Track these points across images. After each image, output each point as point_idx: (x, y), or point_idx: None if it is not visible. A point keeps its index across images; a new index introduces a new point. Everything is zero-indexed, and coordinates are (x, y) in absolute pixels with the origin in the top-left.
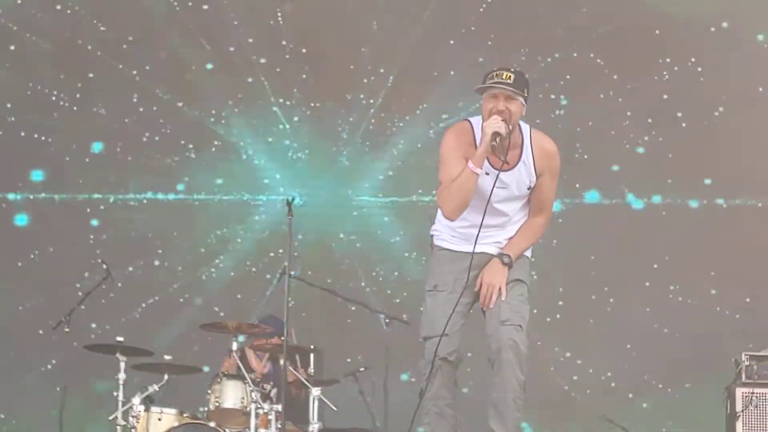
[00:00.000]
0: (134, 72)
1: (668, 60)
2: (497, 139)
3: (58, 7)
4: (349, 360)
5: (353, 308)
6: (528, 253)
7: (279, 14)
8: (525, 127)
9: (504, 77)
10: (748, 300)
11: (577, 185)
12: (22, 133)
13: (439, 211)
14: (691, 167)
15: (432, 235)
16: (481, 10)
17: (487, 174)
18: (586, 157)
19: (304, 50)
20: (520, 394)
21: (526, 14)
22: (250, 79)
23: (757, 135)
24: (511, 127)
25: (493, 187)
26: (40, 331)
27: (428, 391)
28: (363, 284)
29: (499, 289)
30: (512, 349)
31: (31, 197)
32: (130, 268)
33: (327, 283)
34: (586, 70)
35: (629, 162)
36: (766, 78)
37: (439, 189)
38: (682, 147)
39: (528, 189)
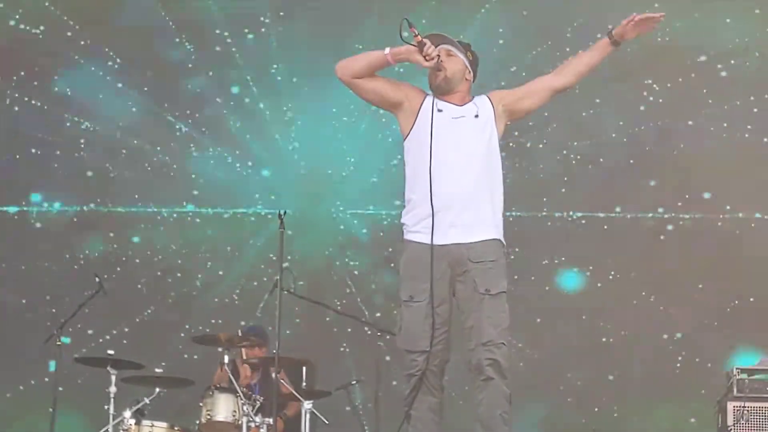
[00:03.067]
0: (135, 91)
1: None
2: (422, 45)
3: None
4: (340, 373)
5: (345, 321)
6: (500, 237)
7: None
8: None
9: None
10: (740, 312)
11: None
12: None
13: (411, 187)
14: (689, 182)
15: (403, 225)
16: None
17: (440, 111)
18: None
19: (297, 60)
20: (507, 408)
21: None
22: (243, 89)
23: None
24: (444, 76)
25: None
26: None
27: (410, 397)
28: (354, 297)
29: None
30: (493, 367)
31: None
32: (123, 281)
33: (318, 296)
34: None
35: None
36: None
37: None
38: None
39: (490, 119)
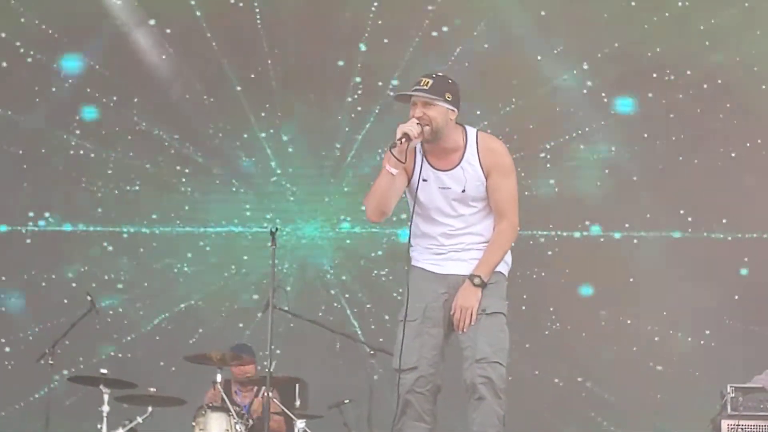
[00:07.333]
0: (121, 106)
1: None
2: (404, 140)
3: None
4: (333, 391)
5: (338, 340)
6: (503, 269)
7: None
8: (471, 131)
9: (421, 84)
10: (733, 331)
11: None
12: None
13: (411, 230)
14: (671, 200)
15: (410, 257)
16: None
17: (425, 180)
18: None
19: (289, 77)
20: (500, 429)
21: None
22: (235, 108)
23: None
24: (430, 129)
25: (419, 180)
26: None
27: (398, 423)
28: (348, 315)
29: (471, 312)
30: (486, 385)
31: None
32: (115, 301)
33: (311, 314)
34: None
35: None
36: None
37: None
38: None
39: (477, 189)
